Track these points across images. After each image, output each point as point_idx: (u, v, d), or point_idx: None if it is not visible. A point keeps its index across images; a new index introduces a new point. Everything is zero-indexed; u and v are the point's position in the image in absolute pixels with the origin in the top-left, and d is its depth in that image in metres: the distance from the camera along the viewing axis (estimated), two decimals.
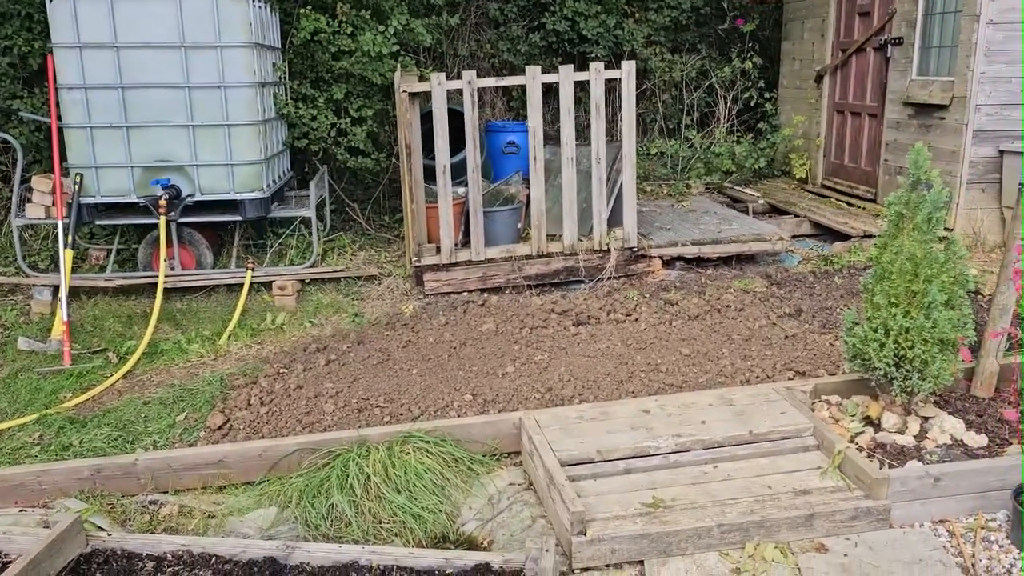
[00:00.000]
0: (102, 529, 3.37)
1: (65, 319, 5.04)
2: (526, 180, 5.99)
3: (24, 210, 5.73)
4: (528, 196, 5.85)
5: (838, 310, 5.16)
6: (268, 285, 5.73)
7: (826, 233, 6.83)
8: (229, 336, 5.22)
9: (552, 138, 6.67)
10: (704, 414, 3.81)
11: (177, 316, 5.54)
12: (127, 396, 4.62)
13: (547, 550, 2.89)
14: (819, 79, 7.99)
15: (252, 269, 5.65)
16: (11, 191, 6.72)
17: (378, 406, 4.14)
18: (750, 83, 8.75)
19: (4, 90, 6.44)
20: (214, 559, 3.11)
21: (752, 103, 8.80)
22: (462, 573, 2.95)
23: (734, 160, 8.23)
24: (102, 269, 6.04)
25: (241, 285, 5.61)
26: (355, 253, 6.32)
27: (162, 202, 5.36)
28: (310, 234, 6.06)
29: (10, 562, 3.14)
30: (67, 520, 3.19)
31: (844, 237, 6.53)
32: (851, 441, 3.59)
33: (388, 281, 5.90)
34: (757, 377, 4.28)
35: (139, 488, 3.72)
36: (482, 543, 3.38)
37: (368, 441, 3.74)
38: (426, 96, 5.79)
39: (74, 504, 3.62)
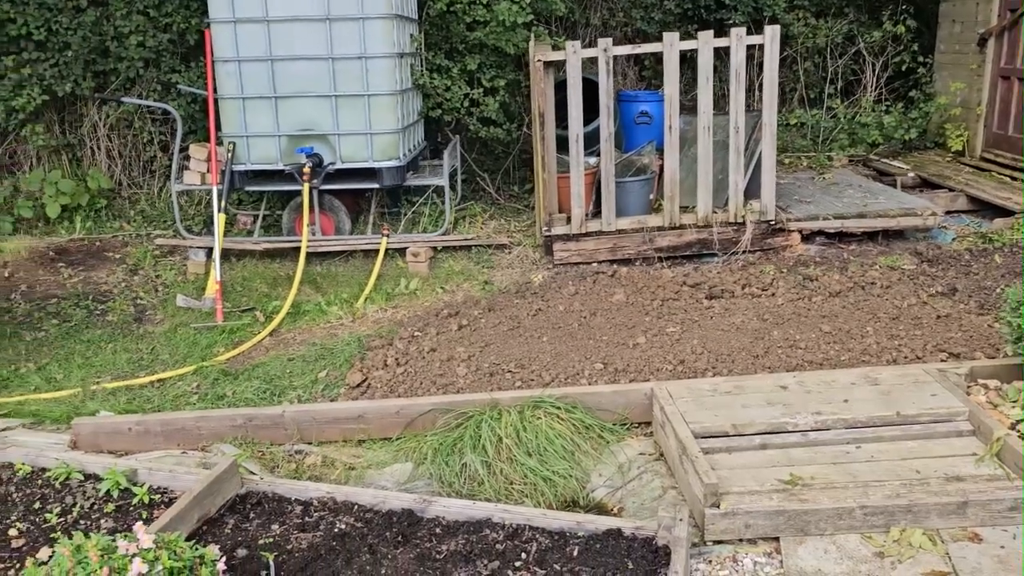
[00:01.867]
0: (253, 473, 3.60)
1: (218, 279, 5.38)
2: (659, 150, 5.88)
3: (182, 177, 6.13)
4: (661, 166, 5.74)
5: (997, 290, 4.81)
6: (402, 251, 5.90)
7: (985, 209, 6.36)
8: (366, 300, 5.42)
9: (686, 107, 6.51)
10: (846, 393, 3.66)
11: (317, 279, 5.80)
12: (273, 352, 4.89)
13: (681, 519, 2.87)
14: (982, 43, 7.41)
15: (387, 236, 5.83)
16: (168, 159, 7.22)
17: (509, 371, 4.20)
18: (902, 48, 8.22)
19: (165, 64, 6.88)
20: (356, 507, 3.26)
21: (903, 69, 8.27)
22: (593, 536, 2.97)
23: (882, 131, 7.77)
24: (249, 234, 6.39)
25: (377, 251, 5.80)
26: (485, 222, 6.40)
27: (306, 170, 5.61)
28: (443, 203, 6.19)
29: (175, 498, 3.42)
30: (225, 463, 3.42)
31: (1006, 213, 6.06)
32: (1012, 428, 3.36)
33: (518, 250, 5.95)
34: (905, 357, 4.06)
35: (285, 438, 3.94)
36: (612, 510, 3.39)
37: (500, 404, 3.81)
38: (558, 66, 5.77)
39: (228, 449, 3.88)
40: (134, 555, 2.41)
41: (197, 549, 2.63)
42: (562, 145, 5.52)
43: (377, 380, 4.31)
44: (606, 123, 5.33)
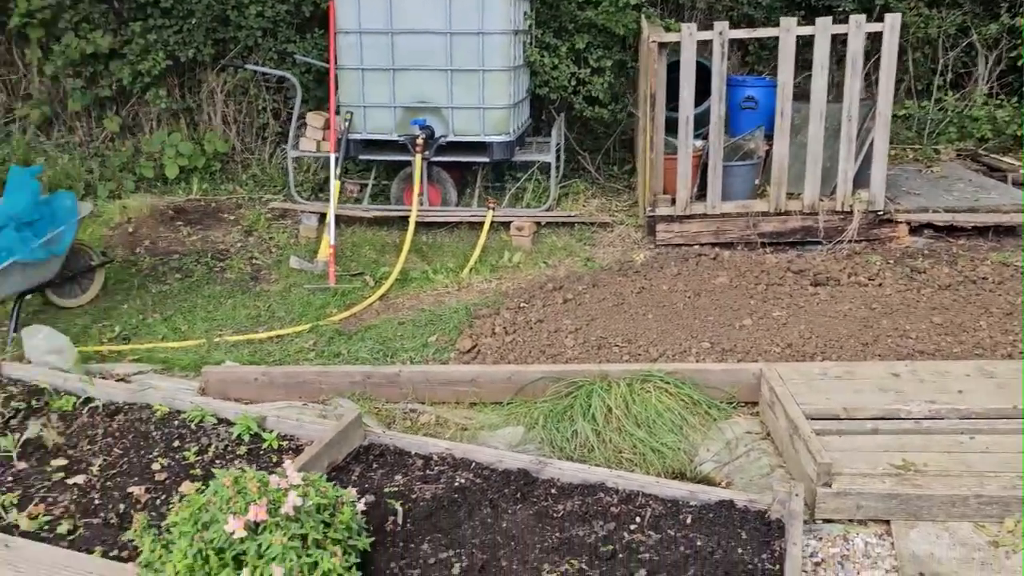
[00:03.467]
0: (371, 428, 3.80)
1: (332, 243, 5.61)
2: (766, 136, 5.86)
3: (298, 143, 6.39)
4: (767, 152, 5.73)
5: None
6: (506, 225, 6.04)
7: None
8: (471, 270, 5.59)
9: (796, 94, 6.45)
10: (960, 383, 3.65)
11: (423, 248, 6.00)
12: (383, 316, 5.10)
13: (797, 494, 2.94)
14: None
15: (493, 209, 5.98)
16: (280, 127, 7.51)
17: (616, 345, 4.30)
18: (1019, 42, 7.92)
19: (281, 35, 7.14)
20: (474, 464, 3.42)
21: (1019, 64, 7.98)
22: (706, 506, 3.06)
23: (993, 125, 7.54)
24: (356, 202, 6.62)
25: (481, 223, 5.96)
26: (587, 200, 6.50)
27: (419, 141, 5.79)
28: (547, 179, 6.30)
29: (301, 445, 3.64)
30: (351, 415, 3.63)
31: None
32: None
33: (619, 229, 6.03)
34: (1021, 353, 4.01)
35: (400, 396, 4.13)
36: (720, 484, 3.46)
37: (609, 376, 3.92)
38: (671, 47, 5.79)
39: (346, 403, 4.09)
40: (289, 489, 2.61)
41: (337, 489, 2.83)
42: (667, 127, 5.56)
43: (487, 347, 4.46)
44: (717, 106, 5.34)
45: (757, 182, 5.82)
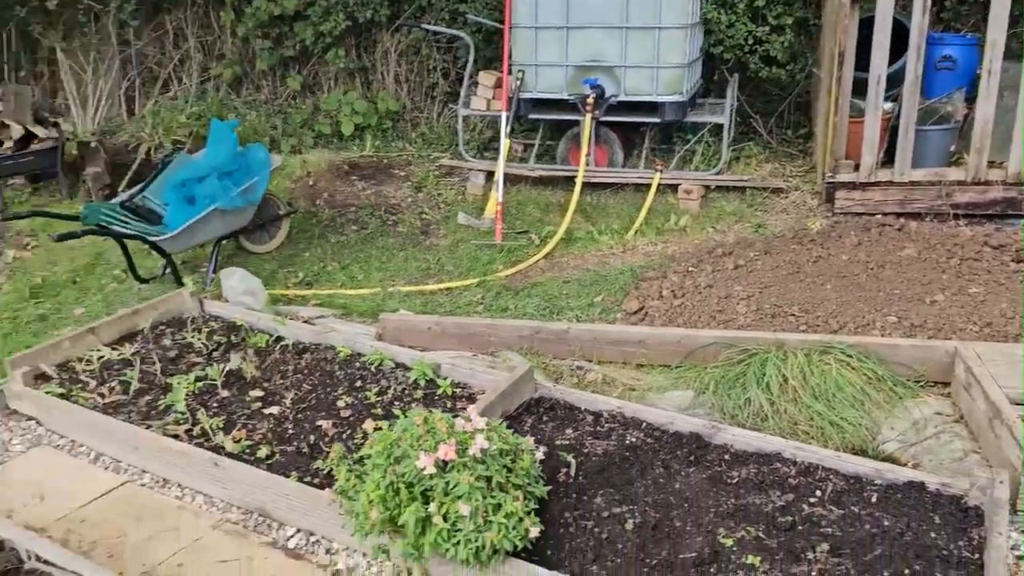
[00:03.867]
0: (539, 382, 3.86)
1: (499, 201, 5.71)
2: (966, 99, 5.42)
3: (469, 102, 6.50)
4: (967, 116, 5.29)
5: None
6: (672, 188, 5.92)
7: None
8: (636, 232, 5.53)
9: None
10: None
11: (587, 209, 5.99)
12: (548, 274, 5.15)
13: (1001, 482, 2.74)
14: None
15: (660, 171, 5.88)
16: (449, 86, 7.66)
17: (792, 315, 4.15)
18: None
19: None
20: (644, 424, 3.42)
21: None
22: (892, 486, 2.91)
23: None
24: (521, 161, 6.68)
25: (647, 185, 5.87)
26: (759, 165, 6.26)
27: (589, 100, 5.75)
28: (717, 141, 6.12)
29: (473, 393, 3.76)
30: (523, 367, 3.70)
31: None
32: None
33: (794, 195, 5.78)
34: None
35: (568, 353, 4.17)
36: (905, 464, 3.29)
37: (785, 345, 3.78)
38: (862, 3, 5.42)
39: (515, 357, 4.17)
40: (476, 432, 2.70)
41: (517, 437, 2.90)
42: (855, 88, 5.24)
43: (654, 309, 4.42)
44: (914, 65, 4.97)
45: (952, 149, 5.39)
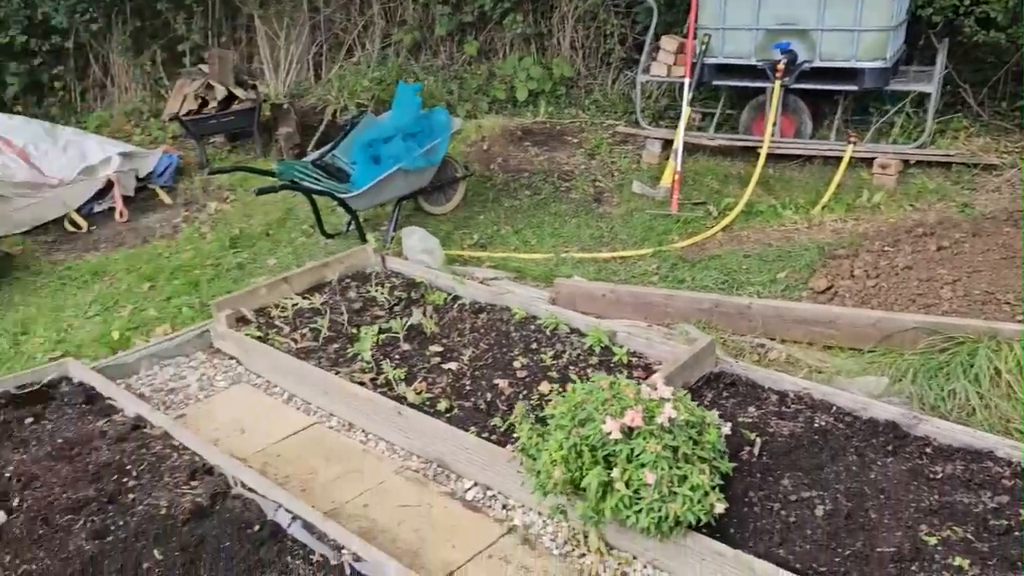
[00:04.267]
0: (720, 357, 3.73)
1: (677, 170, 5.55)
2: None
3: (649, 67, 6.34)
4: None
5: None
6: (865, 162, 5.54)
7: None
8: (823, 207, 5.22)
9: None
10: None
11: (770, 181, 5.71)
12: (727, 247, 4.96)
13: None
14: None
15: (854, 143, 5.50)
16: (625, 52, 7.51)
17: (1006, 303, 3.78)
18: None
19: None
20: (834, 408, 3.22)
21: None
22: None
23: None
24: (699, 130, 6.46)
25: (837, 158, 5.52)
26: (968, 139, 5.73)
27: (780, 66, 5.46)
28: (919, 113, 5.65)
29: (649, 364, 3.68)
30: (704, 340, 3.59)
31: None
32: None
33: (1009, 173, 5.26)
34: None
35: (748, 329, 4.00)
36: None
37: (999, 335, 3.45)
38: None
39: (692, 330, 4.05)
40: (663, 400, 2.64)
41: (703, 410, 2.81)
42: None
43: (844, 289, 4.16)
44: None
45: None
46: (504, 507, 3.04)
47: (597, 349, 3.80)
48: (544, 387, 3.55)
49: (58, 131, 6.60)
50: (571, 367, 3.68)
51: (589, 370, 3.66)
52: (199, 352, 4.22)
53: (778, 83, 5.49)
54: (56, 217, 5.99)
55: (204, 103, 6.84)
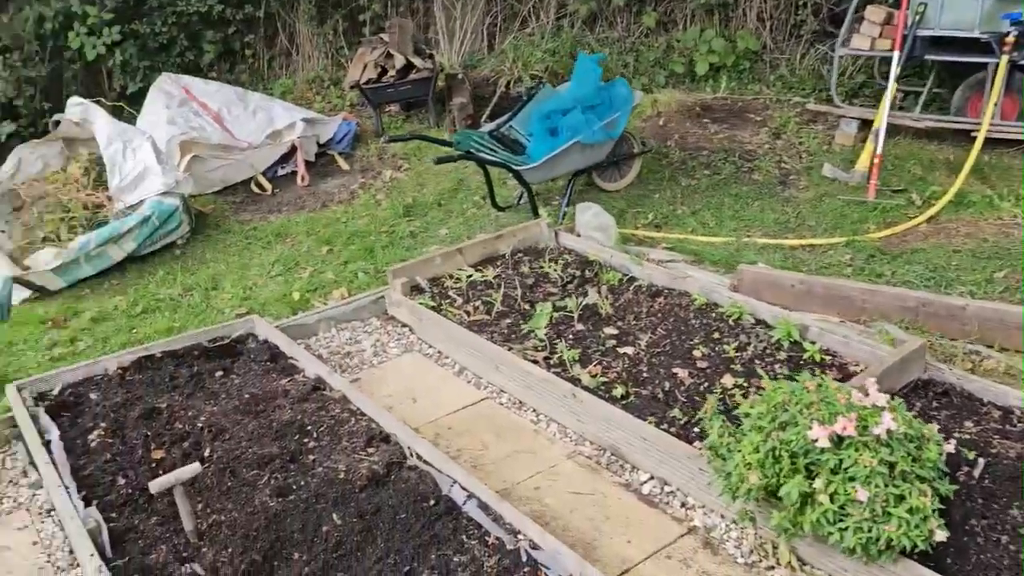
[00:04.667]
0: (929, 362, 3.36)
1: (878, 153, 5.08)
2: None
3: (850, 40, 5.84)
4: None
5: None
6: None
7: None
8: None
9: None
10: None
11: (984, 169, 5.14)
12: (932, 240, 4.49)
13: None
14: None
15: None
16: (818, 24, 6.98)
17: None
18: None
19: None
20: None
21: None
22: None
23: None
24: (901, 110, 5.90)
25: None
26: None
27: (1009, 39, 4.86)
28: None
29: (845, 364, 3.37)
30: (913, 343, 3.24)
31: None
32: None
33: None
34: None
35: (961, 333, 3.59)
36: None
37: None
38: None
39: (892, 329, 3.68)
40: (881, 408, 2.36)
41: (921, 423, 2.51)
42: None
43: None
44: None
45: None
46: (683, 505, 2.86)
47: (785, 344, 3.52)
48: (727, 380, 3.32)
49: (248, 96, 6.92)
50: (757, 361, 3.43)
51: (776, 366, 3.39)
52: (373, 318, 4.28)
53: (1005, 58, 4.89)
54: (244, 179, 6.29)
55: (383, 72, 6.96)
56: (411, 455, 2.93)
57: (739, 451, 2.48)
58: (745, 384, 3.27)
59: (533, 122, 5.04)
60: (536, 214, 4.98)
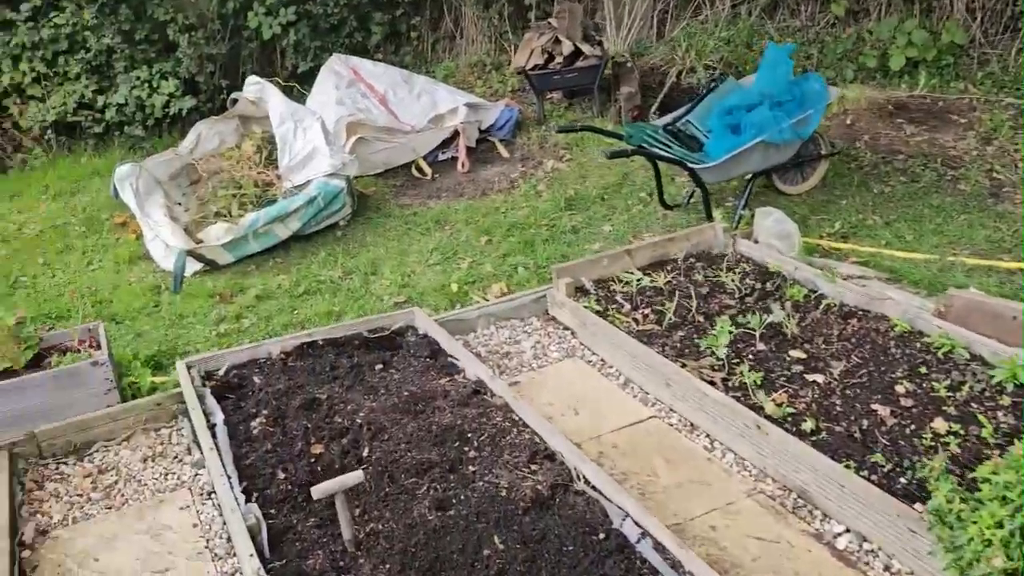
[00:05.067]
0: None
1: None
2: None
3: None
4: None
5: None
6: None
7: None
8: None
9: None
10: None
11: None
12: None
13: None
14: None
15: None
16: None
17: None
18: None
19: None
20: None
21: None
22: None
23: None
24: None
25: None
26: None
27: None
28: None
29: None
30: None
31: None
32: None
33: None
34: None
35: None
36: None
37: None
38: None
39: None
40: None
41: None
42: None
43: None
44: None
45: None
46: (886, 568, 2.49)
47: (1009, 387, 3.05)
48: (939, 425, 2.90)
49: (414, 79, 6.89)
50: (974, 405, 2.98)
51: (1000, 413, 2.93)
52: (534, 317, 4.08)
53: None
54: (405, 163, 6.25)
55: (550, 58, 6.75)
56: (578, 478, 2.70)
57: (975, 523, 2.09)
58: (962, 432, 2.84)
59: (713, 117, 4.67)
60: (710, 217, 4.63)
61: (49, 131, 7.40)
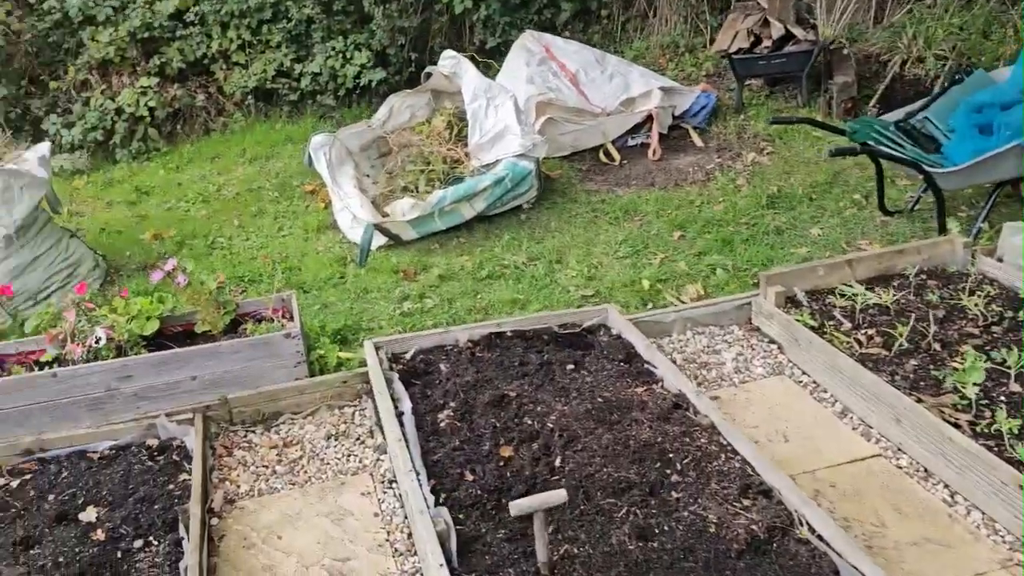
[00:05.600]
0: None
1: None
2: None
3: None
4: None
5: None
6: None
7: None
8: None
9: None
10: None
11: None
12: None
13: None
14: None
15: None
16: None
17: None
18: None
19: None
20: None
21: None
22: None
23: None
24: None
25: None
26: None
27: None
28: None
29: None
30: None
31: None
32: None
33: None
34: None
35: None
36: None
37: None
38: None
39: None
40: None
41: None
42: None
43: None
44: None
45: None
46: None
47: None
48: None
49: (607, 59, 6.59)
50: None
51: None
52: (735, 326, 3.73)
53: None
54: (593, 146, 5.99)
55: (757, 41, 6.25)
56: (801, 523, 2.36)
57: None
58: None
59: (959, 115, 4.10)
60: (943, 229, 4.07)
61: (249, 97, 7.68)
